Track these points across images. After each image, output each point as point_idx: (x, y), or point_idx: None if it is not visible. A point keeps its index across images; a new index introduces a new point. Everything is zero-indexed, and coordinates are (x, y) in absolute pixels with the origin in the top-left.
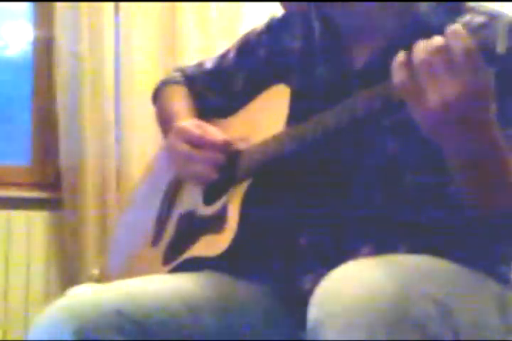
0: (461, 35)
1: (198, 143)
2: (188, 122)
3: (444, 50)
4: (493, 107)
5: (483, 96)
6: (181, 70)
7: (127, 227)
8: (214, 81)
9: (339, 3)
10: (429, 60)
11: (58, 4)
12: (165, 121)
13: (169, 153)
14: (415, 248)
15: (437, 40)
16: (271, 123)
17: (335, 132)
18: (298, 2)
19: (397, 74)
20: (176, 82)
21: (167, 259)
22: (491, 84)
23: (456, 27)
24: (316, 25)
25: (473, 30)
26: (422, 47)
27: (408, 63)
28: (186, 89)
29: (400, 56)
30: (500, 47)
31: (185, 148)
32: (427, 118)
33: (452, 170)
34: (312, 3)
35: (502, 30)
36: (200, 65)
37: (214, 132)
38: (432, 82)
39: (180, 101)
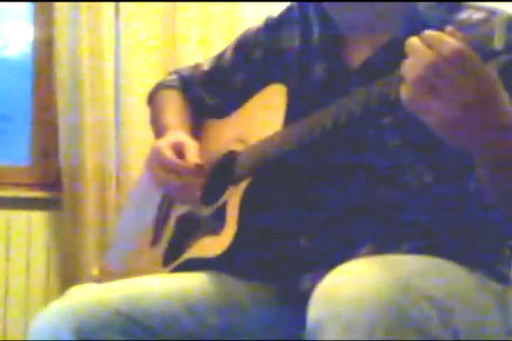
0: (443, 40)
1: (170, 169)
2: (163, 142)
3: (437, 64)
4: (506, 99)
5: (489, 91)
6: (178, 73)
7: (127, 228)
8: (211, 81)
9: (338, 2)
10: (424, 76)
11: (58, 4)
12: (156, 128)
13: (148, 172)
14: (416, 248)
15: (426, 54)
16: (268, 122)
17: (333, 131)
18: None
19: (402, 92)
20: (171, 86)
21: (167, 260)
22: (494, 76)
23: (432, 33)
24: (315, 23)
25: (472, 26)
26: (414, 66)
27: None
28: (181, 94)
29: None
30: (498, 43)
31: (159, 173)
32: (443, 128)
33: (479, 171)
34: (311, 2)
35: (500, 26)
36: (197, 66)
37: (190, 152)
38: (435, 95)
39: (171, 110)
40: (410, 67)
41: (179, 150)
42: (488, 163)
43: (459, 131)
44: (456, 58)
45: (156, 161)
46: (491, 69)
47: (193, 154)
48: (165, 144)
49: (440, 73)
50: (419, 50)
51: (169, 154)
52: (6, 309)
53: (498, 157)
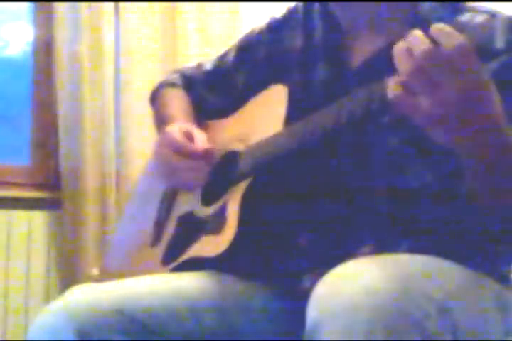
0: (450, 33)
1: (179, 152)
2: (175, 127)
3: (435, 53)
4: (496, 102)
5: (478, 92)
6: (180, 72)
7: (127, 227)
8: (214, 81)
9: (341, 2)
10: (420, 66)
11: (58, 4)
12: (161, 124)
13: (155, 157)
14: (415, 247)
15: (424, 43)
16: (269, 123)
17: (333, 131)
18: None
19: (391, 89)
20: (173, 85)
21: (167, 260)
22: (484, 78)
23: (440, 25)
24: (318, 23)
25: (473, 28)
26: (412, 57)
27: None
28: (184, 92)
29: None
30: (500, 45)
31: (168, 155)
32: (431, 127)
33: (466, 171)
34: (316, 2)
35: (501, 28)
36: (199, 66)
37: (199, 139)
38: (428, 90)
39: (176, 104)
40: (408, 58)
41: (188, 137)
42: (475, 163)
43: (446, 129)
44: (459, 53)
45: (167, 144)
46: (484, 70)
47: (202, 140)
48: (175, 129)
49: (439, 66)
50: (421, 41)
51: (180, 137)
52: (6, 309)
53: (485, 157)
